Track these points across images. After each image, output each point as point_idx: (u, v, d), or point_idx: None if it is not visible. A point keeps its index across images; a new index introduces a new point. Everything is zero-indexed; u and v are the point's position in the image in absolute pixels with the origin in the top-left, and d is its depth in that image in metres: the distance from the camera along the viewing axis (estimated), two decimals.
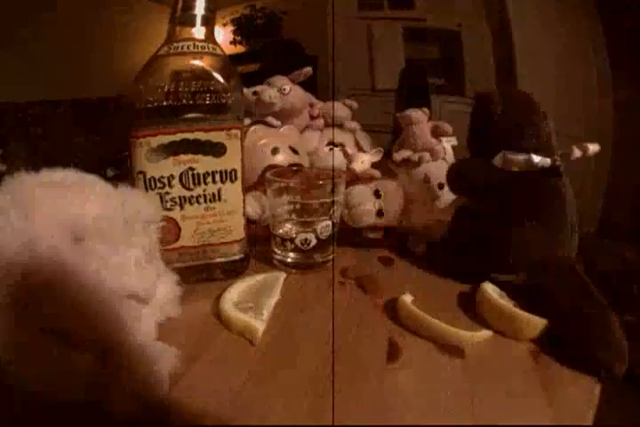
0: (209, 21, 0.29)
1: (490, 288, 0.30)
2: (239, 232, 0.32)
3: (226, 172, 0.29)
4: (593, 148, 0.32)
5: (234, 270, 0.33)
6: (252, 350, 0.26)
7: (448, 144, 0.62)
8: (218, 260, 0.32)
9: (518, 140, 0.33)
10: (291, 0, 1.81)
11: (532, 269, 0.32)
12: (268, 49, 1.80)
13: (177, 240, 0.30)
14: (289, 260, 0.35)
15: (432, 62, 1.61)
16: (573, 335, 0.25)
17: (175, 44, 0.28)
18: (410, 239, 0.39)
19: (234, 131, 0.28)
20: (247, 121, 0.55)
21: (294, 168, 0.41)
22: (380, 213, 0.36)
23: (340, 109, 0.65)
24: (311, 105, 0.67)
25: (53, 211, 0.16)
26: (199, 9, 0.28)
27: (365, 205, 0.36)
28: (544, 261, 0.32)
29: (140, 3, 1.84)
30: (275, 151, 0.50)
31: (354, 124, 0.65)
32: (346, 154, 0.51)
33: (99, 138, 1.62)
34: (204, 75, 0.27)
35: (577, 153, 0.32)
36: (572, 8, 1.34)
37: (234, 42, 1.96)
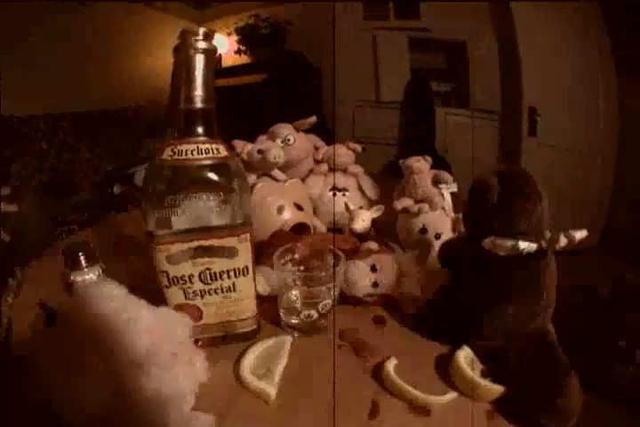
0: (209, 114, 0.30)
1: (462, 356, 0.35)
2: (252, 311, 0.37)
3: (239, 269, 0.33)
4: (580, 235, 0.33)
5: (248, 337, 0.39)
6: (267, 408, 0.32)
7: (447, 191, 0.65)
8: (234, 331, 0.38)
9: (510, 226, 0.35)
10: (295, 10, 1.79)
11: (507, 338, 0.36)
12: (272, 59, 1.79)
13: (200, 320, 0.35)
14: (294, 324, 0.40)
15: (438, 73, 1.59)
16: (525, 401, 0.30)
17: (178, 148, 0.29)
18: (401, 303, 0.43)
19: (243, 235, 0.32)
20: (253, 177, 0.59)
21: (299, 242, 0.44)
22: (375, 284, 0.41)
23: (344, 155, 0.66)
24: (316, 148, 0.69)
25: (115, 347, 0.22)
26: (199, 101, 0.29)
27: (363, 281, 0.40)
28: (518, 331, 0.36)
29: (140, 12, 1.83)
30: (280, 210, 0.53)
31: (357, 169, 0.67)
32: (347, 209, 0.55)
33: (103, 151, 1.65)
34: (210, 185, 0.30)
35: (563, 241, 0.33)
36: (579, 18, 1.30)
37: (238, 51, 1.95)
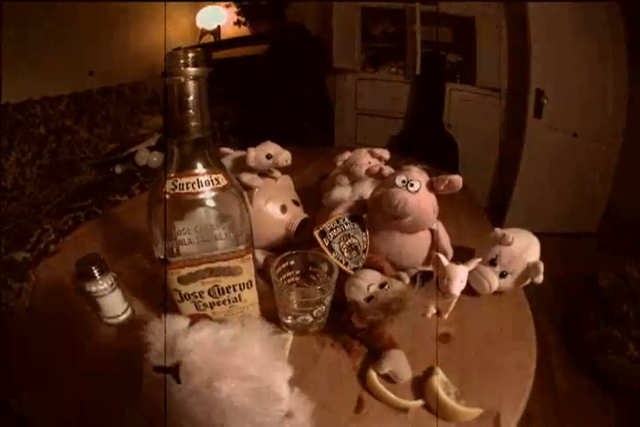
0: (207, 143, 0.31)
1: (436, 381, 0.36)
2: (256, 314, 0.41)
3: (243, 283, 0.36)
4: None
5: None
6: None
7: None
8: None
9: None
10: None
11: None
12: (273, 31, 1.69)
13: None
14: (290, 324, 0.44)
15: (445, 47, 1.50)
16: None
17: (179, 182, 0.30)
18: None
19: (246, 256, 0.35)
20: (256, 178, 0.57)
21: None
22: (369, 298, 0.40)
23: (367, 165, 0.59)
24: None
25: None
26: (195, 132, 0.29)
27: (363, 282, 0.41)
28: None
29: None
30: (283, 210, 0.54)
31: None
32: (439, 264, 0.44)
33: (103, 131, 1.62)
34: (212, 215, 0.32)
35: None
36: (593, 3, 1.19)
37: (237, 23, 1.85)
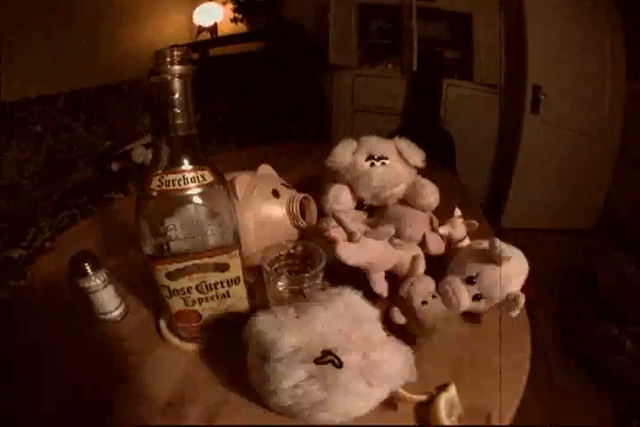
0: (193, 140, 0.31)
1: (444, 399, 0.34)
2: (244, 308, 0.41)
3: (231, 279, 0.37)
4: None
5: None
6: None
7: None
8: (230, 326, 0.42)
9: None
10: None
11: None
12: (269, 28, 1.70)
13: (199, 321, 0.40)
14: None
15: (442, 43, 1.49)
16: None
17: (165, 178, 0.31)
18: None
19: (234, 252, 0.35)
20: None
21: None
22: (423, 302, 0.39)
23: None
24: None
25: None
26: (181, 129, 0.29)
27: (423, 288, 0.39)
28: None
29: None
30: (275, 194, 0.50)
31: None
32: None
33: (100, 128, 1.61)
34: (198, 211, 0.32)
35: None
36: None
37: (234, 20, 1.85)
